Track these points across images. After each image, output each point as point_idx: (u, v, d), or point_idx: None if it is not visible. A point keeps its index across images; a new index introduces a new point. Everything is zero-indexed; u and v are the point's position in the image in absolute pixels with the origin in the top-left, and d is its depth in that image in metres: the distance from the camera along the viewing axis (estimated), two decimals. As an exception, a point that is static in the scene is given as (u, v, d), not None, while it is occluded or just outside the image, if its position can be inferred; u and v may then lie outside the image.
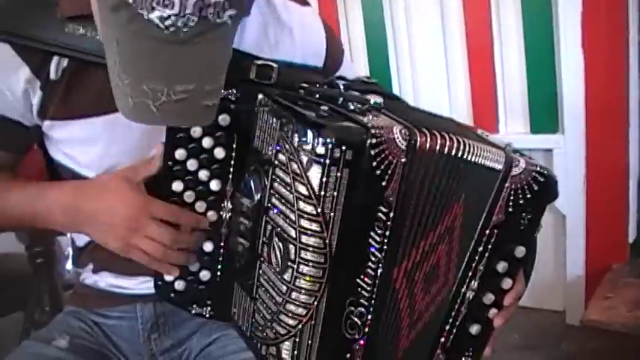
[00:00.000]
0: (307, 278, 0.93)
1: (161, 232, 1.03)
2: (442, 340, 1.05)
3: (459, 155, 0.95)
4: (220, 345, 1.18)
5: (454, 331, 1.05)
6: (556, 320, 2.59)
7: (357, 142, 0.89)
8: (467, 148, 0.96)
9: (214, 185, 1.07)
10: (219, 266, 1.11)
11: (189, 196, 1.07)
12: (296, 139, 0.91)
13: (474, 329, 1.05)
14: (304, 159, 0.89)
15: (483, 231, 1.00)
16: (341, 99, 1.00)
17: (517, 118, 2.55)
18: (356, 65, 2.77)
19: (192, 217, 1.06)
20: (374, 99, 1.00)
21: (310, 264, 0.92)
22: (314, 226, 0.91)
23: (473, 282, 1.02)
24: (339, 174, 0.88)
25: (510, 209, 0.99)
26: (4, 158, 1.15)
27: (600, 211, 2.45)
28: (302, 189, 0.90)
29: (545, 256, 2.65)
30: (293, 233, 0.93)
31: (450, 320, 1.04)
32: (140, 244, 1.03)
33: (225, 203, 1.08)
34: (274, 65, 1.07)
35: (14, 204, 1.11)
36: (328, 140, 0.87)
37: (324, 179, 0.88)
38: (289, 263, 0.94)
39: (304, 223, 0.91)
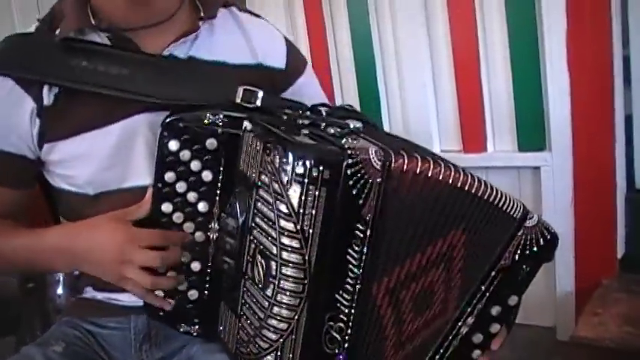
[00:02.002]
0: (287, 293, 0.97)
1: (149, 256, 1.07)
2: None
3: (459, 186, 0.99)
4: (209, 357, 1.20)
5: None
6: (547, 336, 2.59)
7: (334, 162, 0.94)
8: (476, 185, 1.00)
9: (202, 207, 1.11)
10: (207, 285, 1.15)
11: (178, 217, 1.12)
12: (277, 160, 0.96)
13: None
14: (285, 179, 0.94)
15: (490, 271, 1.04)
16: (323, 124, 1.05)
17: (504, 137, 2.56)
18: (345, 85, 2.81)
19: (177, 236, 1.11)
20: (353, 124, 1.05)
21: (290, 279, 0.97)
22: (294, 243, 0.96)
23: (470, 318, 1.05)
24: (317, 192, 0.94)
25: (517, 257, 1.04)
26: (7, 195, 1.23)
27: (589, 227, 2.46)
28: (282, 207, 0.95)
29: (535, 273, 2.66)
30: (274, 250, 0.97)
31: (441, 350, 1.06)
32: (132, 275, 1.07)
33: (213, 224, 1.12)
34: (259, 91, 1.13)
35: (17, 251, 1.20)
36: (307, 161, 0.93)
37: (303, 197, 0.94)
38: (271, 279, 0.98)
39: (285, 240, 0.96)
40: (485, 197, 1.01)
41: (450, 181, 0.99)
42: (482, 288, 1.04)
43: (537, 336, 2.62)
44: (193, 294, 1.15)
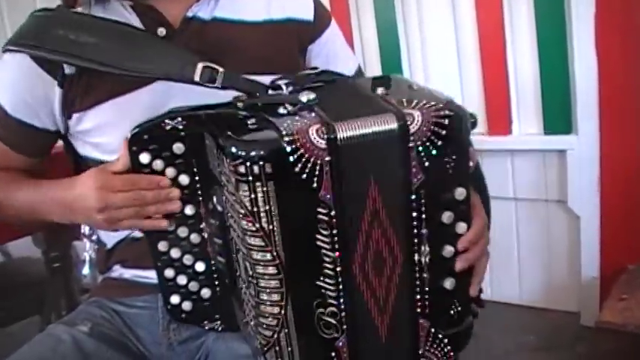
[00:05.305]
0: (267, 291, 0.96)
1: (125, 196, 1.08)
2: (419, 310, 1.04)
3: (360, 133, 0.93)
4: (238, 341, 1.19)
5: (427, 297, 1.03)
6: (571, 321, 2.58)
7: (273, 154, 0.90)
8: (358, 124, 0.93)
9: (189, 210, 1.12)
10: (217, 282, 1.16)
11: (169, 224, 1.12)
12: (225, 160, 0.93)
13: (449, 284, 1.03)
14: (233, 179, 0.92)
15: (408, 197, 0.97)
16: (281, 105, 1.00)
17: (530, 120, 2.54)
18: (369, 68, 2.79)
19: (148, 179, 1.09)
20: (306, 97, 0.99)
21: (266, 277, 0.96)
22: (258, 242, 0.94)
23: (423, 247, 1.01)
24: (265, 188, 0.91)
25: (427, 164, 0.96)
26: (19, 161, 1.27)
27: (615, 212, 2.44)
28: (239, 208, 0.93)
29: (559, 258, 2.66)
30: (245, 250, 0.96)
31: (418, 290, 1.03)
32: (117, 215, 1.09)
33: (204, 224, 1.12)
34: (219, 69, 1.10)
35: (24, 199, 1.22)
36: (245, 158, 0.90)
37: (253, 196, 0.91)
38: (250, 279, 0.98)
39: (249, 240, 0.94)
40: (364, 131, 0.93)
41: (358, 132, 0.94)
42: (414, 215, 0.98)
43: (562, 321, 2.61)
44: (206, 292, 1.16)
